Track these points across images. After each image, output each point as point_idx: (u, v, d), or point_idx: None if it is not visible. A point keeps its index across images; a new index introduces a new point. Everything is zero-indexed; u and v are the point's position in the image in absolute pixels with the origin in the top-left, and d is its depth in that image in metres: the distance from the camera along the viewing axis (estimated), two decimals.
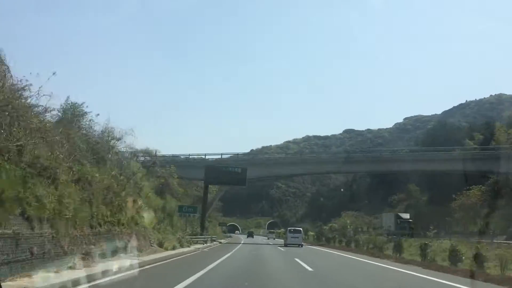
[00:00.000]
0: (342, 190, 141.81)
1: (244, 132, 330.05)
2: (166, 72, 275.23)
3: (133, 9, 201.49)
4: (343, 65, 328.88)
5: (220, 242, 42.13)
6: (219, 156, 54.02)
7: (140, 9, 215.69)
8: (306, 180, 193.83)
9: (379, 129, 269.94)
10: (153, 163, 33.38)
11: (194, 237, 29.39)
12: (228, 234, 74.79)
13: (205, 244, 30.08)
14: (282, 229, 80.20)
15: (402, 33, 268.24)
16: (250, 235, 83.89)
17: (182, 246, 21.23)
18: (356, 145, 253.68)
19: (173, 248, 18.82)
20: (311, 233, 62.95)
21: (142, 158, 32.28)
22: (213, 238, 39.44)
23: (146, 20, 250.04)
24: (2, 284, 4.76)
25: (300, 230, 41.30)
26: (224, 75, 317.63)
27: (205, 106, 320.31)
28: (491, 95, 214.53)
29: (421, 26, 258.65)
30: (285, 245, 37.17)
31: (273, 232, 77.50)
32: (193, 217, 34.39)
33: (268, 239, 63.81)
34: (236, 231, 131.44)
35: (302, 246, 36.05)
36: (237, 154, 51.84)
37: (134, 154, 24.54)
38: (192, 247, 23.55)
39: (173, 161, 48.82)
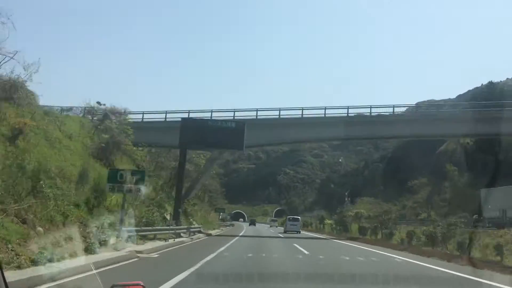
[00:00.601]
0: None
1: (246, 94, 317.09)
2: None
3: None
4: (351, 46, 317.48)
5: (209, 234, 32.53)
6: (209, 114, 33.93)
7: None
8: (315, 166, 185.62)
9: (390, 113, 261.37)
10: (103, 118, 24.65)
11: (147, 229, 17.43)
12: (229, 223, 66.94)
13: (168, 241, 18.56)
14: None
15: (412, 16, 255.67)
16: (252, 223, 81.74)
17: (91, 250, 10.43)
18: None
19: (50, 260, 7.83)
20: (328, 221, 53.50)
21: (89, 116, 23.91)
22: (194, 229, 27.60)
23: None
24: None
25: (299, 218, 47.68)
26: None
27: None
28: (507, 78, 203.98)
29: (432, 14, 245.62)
30: (285, 231, 41.72)
31: (276, 220, 79.13)
32: (139, 196, 18.11)
33: (270, 226, 65.79)
34: (240, 219, 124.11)
35: (299, 233, 40.67)
36: (233, 111, 36.24)
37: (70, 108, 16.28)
38: (124, 251, 12.02)
39: (146, 123, 36.26)
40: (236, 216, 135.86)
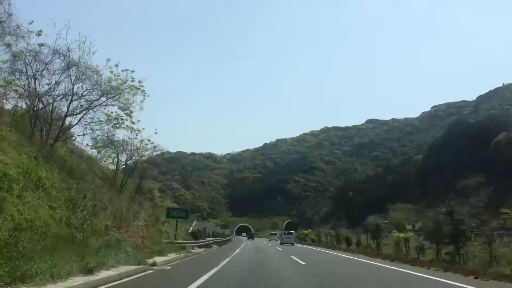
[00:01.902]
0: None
1: (255, 127, 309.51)
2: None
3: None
4: (363, 53, 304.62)
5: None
6: None
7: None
8: (328, 174, 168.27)
9: (405, 118, 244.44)
10: None
11: None
12: (224, 238, 49.69)
13: None
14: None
15: (423, 19, 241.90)
16: (251, 237, 79.22)
17: None
18: (382, 135, 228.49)
19: None
20: (368, 241, 35.38)
21: None
22: None
23: None
24: None
25: (292, 232, 53.76)
26: (228, 69, 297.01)
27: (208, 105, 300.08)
28: None
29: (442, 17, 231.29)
30: (281, 243, 47.11)
31: (275, 234, 75.31)
32: None
33: (270, 240, 63.69)
34: (243, 233, 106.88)
35: (293, 245, 45.73)
36: None
37: None
38: None
39: None
40: (240, 231, 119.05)
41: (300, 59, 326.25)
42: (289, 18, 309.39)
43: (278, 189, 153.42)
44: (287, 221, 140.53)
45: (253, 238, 74.52)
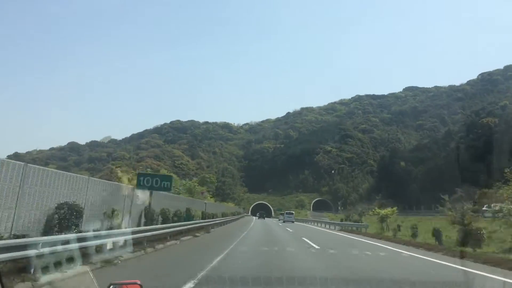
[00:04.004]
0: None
1: (277, 97, 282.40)
2: None
3: None
4: (404, 14, 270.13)
5: None
6: None
7: None
8: (365, 144, 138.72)
9: (450, 86, 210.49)
10: None
11: None
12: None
13: None
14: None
15: None
16: (261, 216, 74.57)
17: None
18: (426, 101, 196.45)
19: None
20: None
21: None
22: None
23: None
24: None
25: (292, 212, 65.16)
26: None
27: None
28: None
29: None
30: (284, 221, 55.47)
31: (283, 214, 66.69)
32: None
33: (279, 220, 64.95)
34: (258, 213, 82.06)
35: (293, 222, 53.40)
36: None
37: None
38: None
39: None
40: (257, 210, 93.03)
41: (329, 28, 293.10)
42: None
43: (305, 161, 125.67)
44: (316, 199, 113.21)
45: (263, 218, 73.70)
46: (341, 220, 44.63)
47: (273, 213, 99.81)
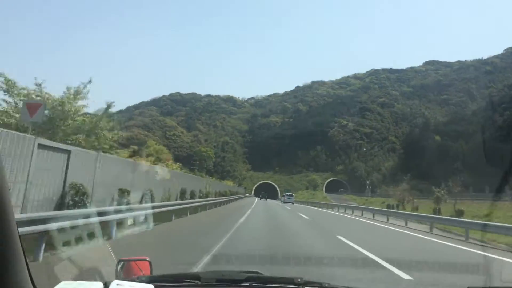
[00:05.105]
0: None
1: (285, 72, 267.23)
2: None
3: None
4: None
5: None
6: None
7: None
8: (385, 118, 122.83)
9: (476, 60, 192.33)
10: None
11: None
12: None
13: None
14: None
15: None
16: (264, 197, 70.41)
17: None
18: (450, 75, 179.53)
19: None
20: None
21: None
22: None
23: None
24: None
25: (292, 194, 64.30)
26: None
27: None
28: None
29: None
30: (284, 202, 56.72)
31: (284, 196, 64.83)
32: None
33: (281, 201, 62.11)
34: (260, 194, 69.43)
35: (293, 204, 52.54)
36: None
37: None
38: None
39: None
40: (261, 190, 79.10)
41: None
42: None
43: (317, 136, 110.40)
44: (330, 179, 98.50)
45: (265, 199, 70.21)
46: (388, 207, 29.76)
47: (279, 194, 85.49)
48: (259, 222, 16.58)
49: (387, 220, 22.53)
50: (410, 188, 59.03)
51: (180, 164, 37.18)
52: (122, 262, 2.11)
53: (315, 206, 46.32)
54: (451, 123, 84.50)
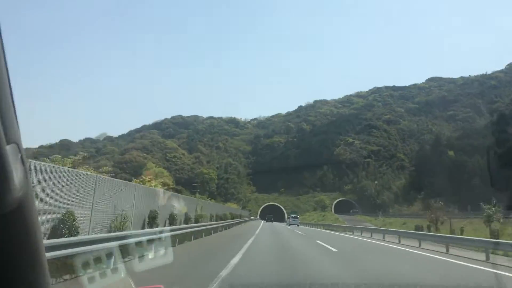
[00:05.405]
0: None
1: (287, 92, 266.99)
2: None
3: None
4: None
5: None
6: None
7: None
8: (392, 135, 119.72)
9: (478, 75, 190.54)
10: None
11: None
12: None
13: None
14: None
15: None
16: (269, 220, 68.92)
17: None
18: (455, 90, 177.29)
19: None
20: None
21: None
22: None
23: None
24: None
25: (298, 216, 63.19)
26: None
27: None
28: None
29: None
30: (289, 224, 55.13)
31: (289, 218, 63.22)
32: None
33: (287, 224, 59.07)
34: (266, 217, 65.96)
35: (298, 226, 51.64)
36: None
37: None
38: None
39: None
40: (266, 212, 75.21)
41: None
42: None
43: (323, 155, 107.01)
44: (338, 200, 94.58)
45: (271, 221, 67.87)
46: (417, 229, 26.18)
47: (286, 216, 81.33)
48: (266, 257, 12.25)
49: (419, 245, 19.02)
50: (425, 207, 55.38)
51: (162, 180, 32.79)
52: None
53: (327, 229, 42.40)
54: (464, 137, 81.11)
